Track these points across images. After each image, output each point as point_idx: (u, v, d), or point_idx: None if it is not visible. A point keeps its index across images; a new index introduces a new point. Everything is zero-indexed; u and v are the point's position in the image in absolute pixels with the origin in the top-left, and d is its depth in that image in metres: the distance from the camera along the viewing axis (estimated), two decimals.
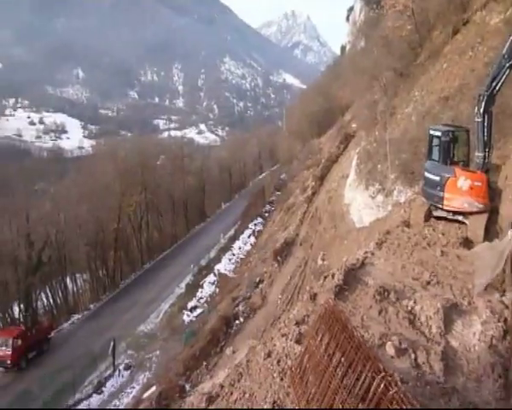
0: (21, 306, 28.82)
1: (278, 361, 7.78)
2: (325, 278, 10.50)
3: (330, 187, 28.47)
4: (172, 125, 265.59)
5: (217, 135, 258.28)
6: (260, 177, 79.72)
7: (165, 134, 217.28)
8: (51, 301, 34.01)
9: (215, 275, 30.83)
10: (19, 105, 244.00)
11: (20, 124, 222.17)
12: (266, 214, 42.00)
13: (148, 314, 27.74)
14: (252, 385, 7.98)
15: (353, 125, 35.04)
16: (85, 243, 36.97)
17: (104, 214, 38.30)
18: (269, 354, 8.42)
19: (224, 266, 32.24)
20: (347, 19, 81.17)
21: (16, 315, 29.26)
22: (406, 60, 22.62)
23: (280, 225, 33.93)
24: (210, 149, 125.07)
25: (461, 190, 10.33)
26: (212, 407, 8.92)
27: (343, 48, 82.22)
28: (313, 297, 9.56)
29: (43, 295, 32.84)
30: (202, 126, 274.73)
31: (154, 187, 46.23)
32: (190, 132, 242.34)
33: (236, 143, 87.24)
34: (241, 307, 22.15)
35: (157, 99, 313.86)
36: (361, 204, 20.44)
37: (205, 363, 18.90)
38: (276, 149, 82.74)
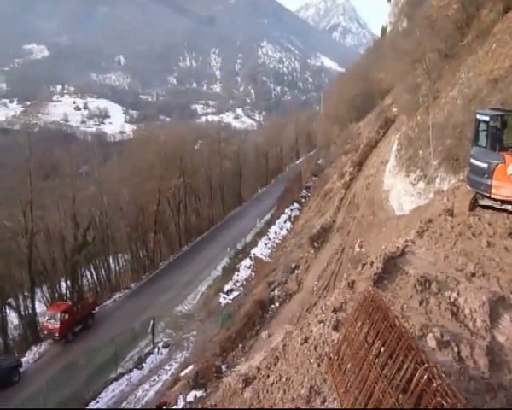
0: (68, 282, 30.44)
1: (315, 347, 7.80)
2: (363, 265, 10.35)
3: (369, 173, 27.81)
4: (210, 110, 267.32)
5: (253, 119, 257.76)
6: (297, 162, 79.07)
7: (203, 119, 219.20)
8: (95, 278, 35.79)
9: (251, 259, 31.14)
10: (65, 91, 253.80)
11: (67, 109, 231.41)
12: (303, 200, 41.69)
13: (185, 295, 28.54)
14: (288, 369, 8.07)
15: (394, 110, 33.84)
16: (127, 225, 38.46)
17: (144, 197, 39.50)
18: (306, 340, 8.46)
19: (260, 250, 32.46)
20: None
21: (63, 291, 30.99)
22: (452, 40, 21.37)
23: (317, 210, 33.64)
24: (247, 133, 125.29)
25: (511, 178, 9.74)
26: (249, 388, 9.12)
27: (384, 29, 78.89)
28: (351, 285, 9.46)
29: (87, 273, 34.61)
30: (239, 111, 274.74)
31: (192, 171, 46.99)
32: (227, 117, 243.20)
33: (273, 128, 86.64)
34: (276, 292, 22.31)
35: (195, 84, 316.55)
36: (401, 191, 19.86)
37: (240, 345, 19.30)
38: (313, 134, 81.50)
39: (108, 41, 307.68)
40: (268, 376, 8.74)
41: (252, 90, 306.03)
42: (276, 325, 19.48)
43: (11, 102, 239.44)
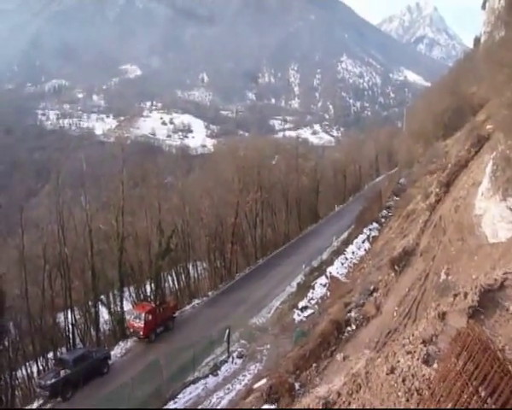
0: (152, 285, 32.58)
1: (403, 380, 7.51)
2: (455, 296, 9.76)
3: (458, 195, 25.98)
4: (287, 126, 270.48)
5: (331, 136, 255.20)
6: (377, 180, 76.50)
7: (281, 134, 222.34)
8: (176, 284, 37.92)
9: (327, 277, 30.66)
10: (154, 107, 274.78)
11: (155, 124, 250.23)
12: (382, 220, 40.08)
13: (260, 308, 28.96)
14: (372, 399, 7.86)
15: (488, 127, 31.25)
16: (206, 235, 40.29)
17: (223, 209, 41.16)
18: (392, 371, 8.17)
19: (337, 269, 31.83)
20: (483, 6, 72.55)
21: (148, 293, 33.25)
22: None
23: (398, 232, 32.16)
24: (324, 149, 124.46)
25: None
26: None
27: (477, 39, 73.70)
28: (442, 316, 8.97)
29: (169, 278, 36.82)
30: (317, 127, 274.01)
31: (269, 186, 47.85)
32: (305, 133, 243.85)
33: (352, 144, 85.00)
34: (353, 314, 21.66)
35: (273, 100, 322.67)
36: (496, 216, 18.29)
37: (315, 365, 19.01)
38: (394, 152, 78.46)
39: (194, 60, 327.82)
40: (349, 403, 8.58)
41: (330, 106, 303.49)
42: (352, 348, 18.91)
43: (107, 116, 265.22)
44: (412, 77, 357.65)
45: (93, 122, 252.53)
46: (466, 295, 9.03)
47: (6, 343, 24.82)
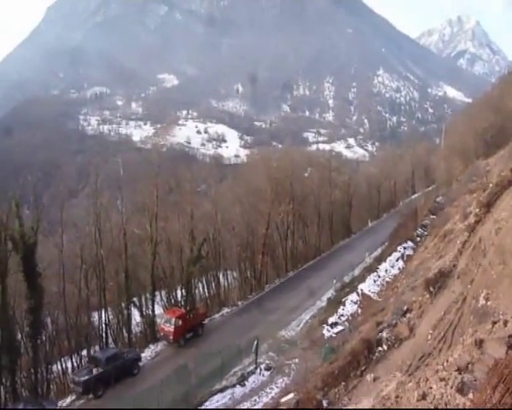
0: (183, 291, 33.11)
1: (435, 408, 7.31)
2: (494, 323, 9.45)
3: (499, 216, 24.95)
4: (321, 139, 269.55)
5: (366, 150, 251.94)
6: (412, 197, 74.62)
7: (314, 147, 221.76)
8: (206, 291, 38.36)
9: (358, 294, 30.13)
10: (189, 116, 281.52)
11: (190, 132, 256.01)
12: (418, 238, 39.01)
13: (289, 321, 28.78)
14: None
15: None
16: (237, 244, 40.59)
17: (255, 219, 41.35)
18: (423, 397, 7.96)
19: (368, 286, 31.23)
20: None
21: (178, 298, 33.80)
22: None
23: (434, 252, 31.23)
24: (358, 163, 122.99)
25: None
26: None
27: None
28: (479, 343, 8.70)
29: (199, 285, 37.29)
30: (351, 141, 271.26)
31: (302, 198, 47.71)
32: (339, 146, 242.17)
33: (387, 159, 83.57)
34: (384, 334, 21.17)
35: (307, 112, 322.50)
36: None
37: (343, 383, 18.69)
38: (431, 169, 76.41)
39: (229, 70, 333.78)
40: None
41: (365, 120, 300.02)
42: (382, 369, 18.48)
43: (145, 124, 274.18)
44: (452, 92, 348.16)
45: (131, 129, 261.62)
46: (506, 322, 8.76)
47: (43, 338, 25.88)
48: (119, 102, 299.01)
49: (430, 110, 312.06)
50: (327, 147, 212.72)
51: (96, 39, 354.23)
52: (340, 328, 26.52)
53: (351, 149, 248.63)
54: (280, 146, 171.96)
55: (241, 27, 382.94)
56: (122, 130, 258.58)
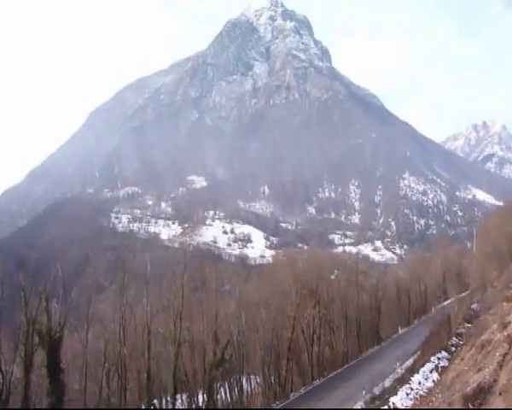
0: (204, 395, 31.51)
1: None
2: None
3: None
4: (347, 241, 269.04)
5: (394, 253, 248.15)
6: (445, 303, 71.23)
7: (340, 249, 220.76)
8: (228, 396, 36.22)
9: (389, 409, 27.73)
10: (216, 217, 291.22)
11: (216, 232, 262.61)
12: (453, 348, 36.56)
13: None
14: None
15: None
16: (261, 347, 39.13)
17: (280, 322, 40.35)
18: None
19: (401, 400, 28.74)
20: None
21: (200, 403, 32.06)
22: None
23: (471, 364, 29.04)
24: (386, 266, 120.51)
25: None
26: None
27: None
28: None
29: (222, 390, 35.35)
30: (378, 243, 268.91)
31: (328, 301, 46.65)
32: (366, 249, 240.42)
33: (416, 263, 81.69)
34: None
35: (333, 214, 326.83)
36: None
37: None
38: (464, 273, 73.99)
39: (257, 171, 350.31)
40: None
41: (392, 223, 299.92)
42: None
43: (173, 223, 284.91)
44: (481, 196, 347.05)
45: (159, 227, 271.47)
46: None
47: None
48: (150, 202, 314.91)
49: (459, 213, 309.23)
50: (353, 249, 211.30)
51: (131, 142, 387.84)
52: None
53: (378, 252, 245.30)
54: (306, 247, 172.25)
55: (268, 131, 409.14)
56: (151, 228, 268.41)
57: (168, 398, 29.92)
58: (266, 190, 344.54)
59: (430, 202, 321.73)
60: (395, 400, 29.11)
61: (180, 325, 30.74)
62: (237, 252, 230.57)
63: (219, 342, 33.46)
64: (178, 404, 31.24)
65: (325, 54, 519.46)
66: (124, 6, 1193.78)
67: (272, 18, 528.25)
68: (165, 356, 31.48)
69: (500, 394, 22.06)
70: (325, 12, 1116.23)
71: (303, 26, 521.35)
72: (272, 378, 38.31)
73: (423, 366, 34.35)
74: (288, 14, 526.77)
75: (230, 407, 35.40)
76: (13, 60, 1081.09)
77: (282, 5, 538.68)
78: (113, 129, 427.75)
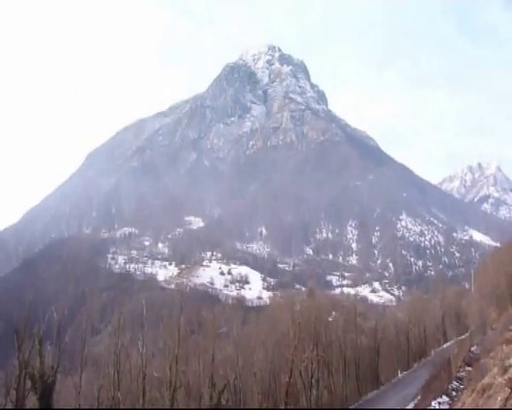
0: None
1: None
2: None
3: None
4: (345, 282, 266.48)
5: (392, 294, 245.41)
6: (444, 346, 70.10)
7: (338, 290, 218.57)
8: None
9: None
10: (213, 257, 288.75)
11: (213, 273, 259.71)
12: (453, 393, 35.70)
13: None
14: None
15: None
16: (259, 392, 38.10)
17: (278, 365, 39.48)
18: None
19: None
20: None
21: None
22: None
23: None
24: (385, 308, 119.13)
25: None
26: None
27: None
28: None
29: None
30: (376, 285, 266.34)
31: (326, 344, 45.90)
32: (363, 290, 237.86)
33: (415, 304, 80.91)
34: None
35: (331, 255, 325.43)
36: None
37: None
38: (463, 314, 73.36)
39: (254, 212, 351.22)
40: None
41: (390, 264, 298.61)
42: None
43: (170, 264, 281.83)
44: (478, 236, 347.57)
45: (156, 268, 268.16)
46: None
47: None
48: (147, 243, 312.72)
49: (457, 254, 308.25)
50: (351, 291, 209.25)
51: (128, 183, 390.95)
52: None
53: (376, 294, 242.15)
54: (303, 289, 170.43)
55: (265, 172, 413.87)
56: (148, 269, 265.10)
57: None
58: (264, 231, 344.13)
59: (427, 243, 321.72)
60: None
61: (176, 369, 30.14)
62: (234, 293, 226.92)
63: (216, 386, 32.60)
64: None
65: (321, 97, 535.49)
66: (123, 49, 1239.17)
67: (269, 62, 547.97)
68: (159, 400, 30.57)
69: None
70: (321, 57, 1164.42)
71: (300, 70, 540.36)
72: None
73: None
74: (285, 59, 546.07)
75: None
76: (12, 98, 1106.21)
77: (280, 50, 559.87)
78: (112, 170, 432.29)
